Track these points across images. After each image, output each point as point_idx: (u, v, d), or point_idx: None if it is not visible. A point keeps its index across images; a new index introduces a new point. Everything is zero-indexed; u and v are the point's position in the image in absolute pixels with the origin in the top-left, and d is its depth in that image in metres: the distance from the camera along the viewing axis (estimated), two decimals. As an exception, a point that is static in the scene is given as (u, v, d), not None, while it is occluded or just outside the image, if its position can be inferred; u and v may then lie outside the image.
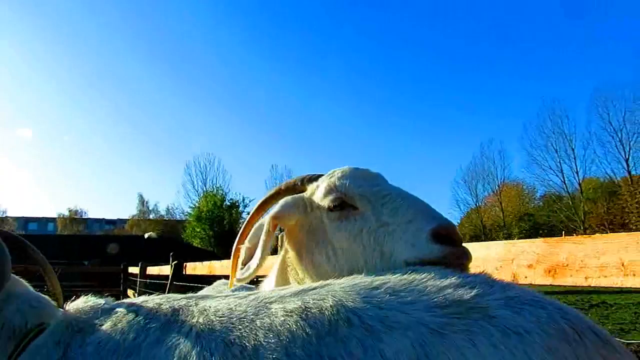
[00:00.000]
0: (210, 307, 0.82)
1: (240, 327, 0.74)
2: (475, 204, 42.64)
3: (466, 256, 0.92)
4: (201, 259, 5.77)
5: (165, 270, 6.14)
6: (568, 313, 0.70)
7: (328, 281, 0.82)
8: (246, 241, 1.25)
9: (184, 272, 5.30)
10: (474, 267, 1.84)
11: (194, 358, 0.70)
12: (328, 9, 67.02)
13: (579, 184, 34.85)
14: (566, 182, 35.19)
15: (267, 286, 1.28)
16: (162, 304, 0.87)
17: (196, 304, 0.84)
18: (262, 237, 1.17)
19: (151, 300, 0.90)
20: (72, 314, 0.92)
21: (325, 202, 1.11)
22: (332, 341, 0.66)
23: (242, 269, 1.22)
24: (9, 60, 69.66)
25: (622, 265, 1.38)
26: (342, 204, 1.08)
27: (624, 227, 29.05)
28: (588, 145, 34.69)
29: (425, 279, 0.76)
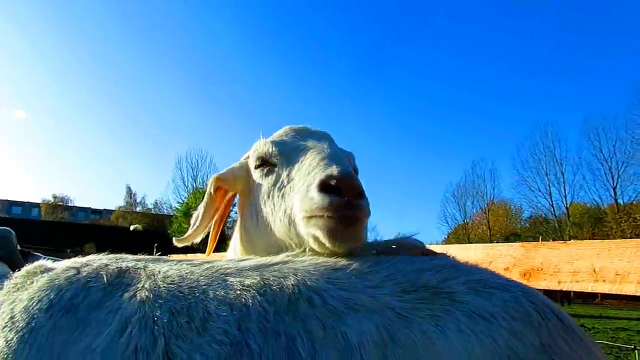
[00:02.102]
0: (159, 271, 0.77)
1: (189, 296, 0.69)
2: (463, 221, 42.95)
3: (352, 207, 0.77)
4: (186, 253, 5.64)
5: None
6: (532, 295, 0.69)
7: (289, 258, 0.78)
8: (199, 206, 1.20)
9: None
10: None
11: (135, 326, 0.65)
12: (324, 10, 67.35)
13: (567, 208, 35.23)
14: (554, 205, 35.57)
15: (228, 257, 1.24)
16: (108, 265, 0.80)
17: (145, 267, 0.79)
18: (204, 199, 1.14)
19: (98, 260, 0.83)
20: (17, 274, 0.87)
21: (252, 162, 1.06)
22: (291, 319, 0.63)
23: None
24: (6, 40, 68.91)
25: (594, 271, 1.37)
26: (264, 162, 1.02)
27: (608, 253, 29.24)
28: (578, 171, 35.15)
29: (390, 263, 0.74)
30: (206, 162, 40.81)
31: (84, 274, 0.78)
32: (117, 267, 0.79)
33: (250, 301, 0.65)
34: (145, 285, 0.72)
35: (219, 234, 1.24)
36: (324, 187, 0.78)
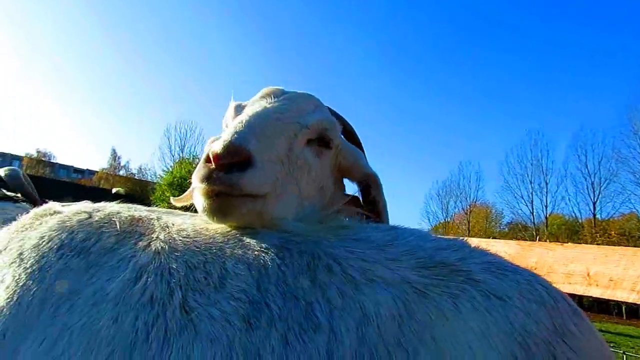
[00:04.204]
0: (173, 224, 0.74)
1: (206, 251, 0.67)
2: (445, 219, 43.60)
3: (213, 180, 0.71)
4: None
5: None
6: (542, 280, 0.71)
7: (307, 225, 0.76)
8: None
9: None
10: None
11: (151, 275, 0.63)
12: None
13: (546, 218, 36.02)
14: (534, 213, 36.32)
15: None
16: (120, 212, 0.78)
17: (158, 218, 0.77)
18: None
19: (109, 206, 0.81)
20: (25, 215, 0.84)
21: (223, 125, 1.02)
22: (310, 286, 0.61)
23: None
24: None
25: (588, 275, 1.39)
26: (227, 126, 0.96)
27: (579, 266, 30.07)
28: (561, 182, 35.97)
29: (408, 238, 0.73)
30: (195, 133, 40.40)
31: (97, 218, 0.75)
32: (130, 215, 0.77)
33: (269, 263, 0.64)
34: (160, 237, 0.70)
35: None
36: (207, 158, 0.73)
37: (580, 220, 35.21)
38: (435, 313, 0.60)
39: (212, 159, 0.71)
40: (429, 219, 44.91)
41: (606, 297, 1.35)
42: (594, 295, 1.40)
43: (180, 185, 34.87)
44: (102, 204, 0.84)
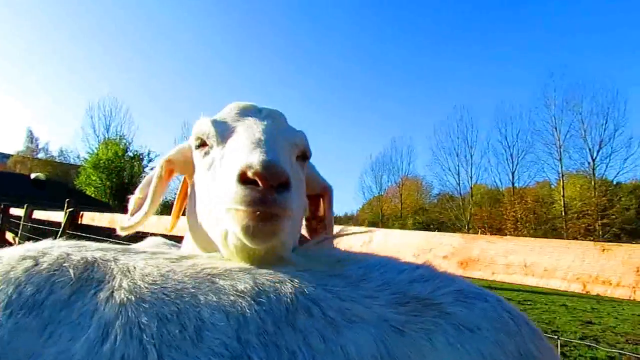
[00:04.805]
0: (134, 267, 0.69)
1: (177, 300, 0.62)
2: (379, 193, 45.24)
3: (268, 202, 0.70)
4: (94, 208, 5.25)
5: (57, 217, 5.41)
6: (506, 305, 0.75)
7: (281, 263, 0.74)
8: (137, 190, 1.09)
9: (79, 222, 4.75)
10: (394, 252, 1.92)
11: (120, 333, 0.57)
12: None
13: (471, 188, 38.54)
14: (460, 184, 38.74)
15: (186, 244, 1.10)
16: (71, 254, 0.70)
17: (115, 260, 0.70)
18: (152, 183, 1.02)
19: (56, 247, 0.73)
20: None
21: (192, 142, 0.96)
22: (291, 332, 0.60)
23: (129, 219, 1.07)
24: None
25: (525, 265, 1.51)
26: (203, 143, 0.93)
27: (500, 231, 32.84)
28: (484, 154, 38.53)
29: (380, 270, 0.75)
30: (121, 111, 37.98)
31: (45, 266, 0.68)
32: (83, 258, 0.70)
33: (247, 310, 0.61)
34: (123, 284, 0.64)
35: (182, 210, 1.15)
36: (243, 177, 0.71)
37: (501, 189, 38.09)
38: (413, 351, 0.62)
39: (260, 180, 0.69)
40: (364, 194, 46.48)
41: (542, 286, 1.47)
42: (531, 284, 1.52)
43: (107, 167, 32.93)
44: (46, 243, 0.76)
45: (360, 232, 1.74)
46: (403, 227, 37.00)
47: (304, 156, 0.97)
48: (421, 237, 1.89)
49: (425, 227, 37.22)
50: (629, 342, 6.71)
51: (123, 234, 1.08)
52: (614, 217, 30.06)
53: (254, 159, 0.71)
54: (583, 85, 34.06)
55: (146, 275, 0.67)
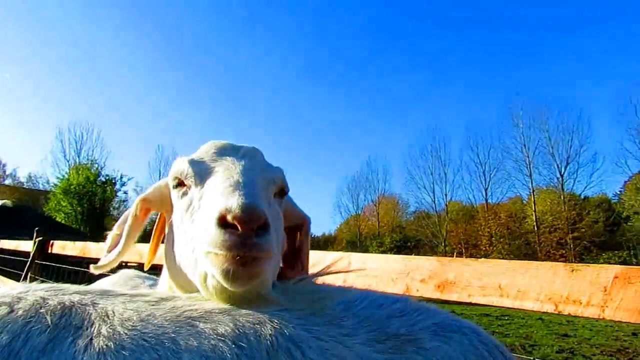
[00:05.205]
0: (113, 312, 0.68)
1: (158, 346, 0.61)
2: (356, 212, 45.46)
3: (248, 246, 0.70)
4: (65, 236, 5.08)
5: (25, 246, 5.20)
6: (482, 336, 0.77)
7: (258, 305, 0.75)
8: (114, 227, 1.09)
9: (49, 251, 4.60)
10: (371, 277, 1.93)
11: None
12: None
13: (446, 205, 39.17)
14: (436, 202, 39.35)
15: (163, 282, 1.09)
16: (47, 299, 0.69)
17: (94, 304, 0.69)
18: (128, 221, 1.03)
19: (32, 291, 0.71)
20: None
21: (170, 181, 0.96)
22: None
23: (105, 256, 1.07)
24: None
25: (499, 287, 1.55)
26: (180, 183, 0.92)
27: (476, 247, 33.44)
28: (458, 172, 39.36)
29: (359, 306, 0.76)
30: (92, 136, 37.27)
31: (20, 312, 0.66)
32: (60, 303, 0.69)
33: (228, 354, 0.61)
34: (102, 331, 0.63)
35: (158, 246, 1.15)
36: (222, 221, 0.72)
37: (475, 206, 38.87)
38: None
39: (239, 224, 0.70)
40: (340, 213, 46.60)
41: (516, 307, 1.51)
42: (506, 306, 1.56)
43: (78, 192, 32.06)
44: (21, 287, 0.74)
45: (339, 272, 1.75)
46: (381, 245, 37.18)
47: (282, 192, 0.97)
48: (399, 261, 1.91)
49: (403, 244, 37.50)
50: (604, 353, 6.87)
51: (97, 272, 1.07)
52: (583, 230, 31.00)
53: (233, 202, 0.71)
54: (548, 104, 35.44)
55: (126, 320, 0.66)
